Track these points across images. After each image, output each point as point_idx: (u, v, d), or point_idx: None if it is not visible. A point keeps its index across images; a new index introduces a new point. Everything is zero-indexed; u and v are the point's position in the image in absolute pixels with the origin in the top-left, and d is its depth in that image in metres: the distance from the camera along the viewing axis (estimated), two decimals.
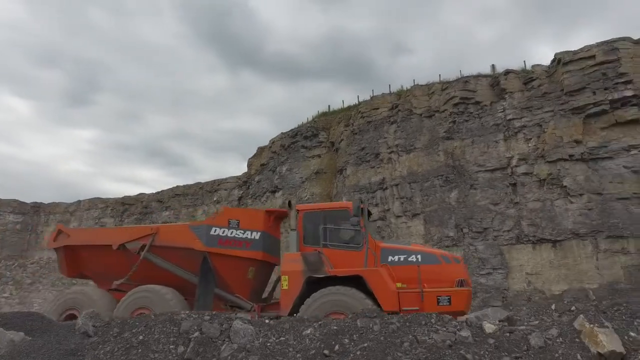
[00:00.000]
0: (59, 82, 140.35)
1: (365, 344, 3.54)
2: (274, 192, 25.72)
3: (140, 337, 3.83)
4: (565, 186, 15.83)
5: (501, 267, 16.43)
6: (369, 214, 8.56)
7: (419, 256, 7.38)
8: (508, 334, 3.60)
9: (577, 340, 3.61)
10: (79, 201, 34.12)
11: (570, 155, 15.95)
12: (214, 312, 5.23)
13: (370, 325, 3.80)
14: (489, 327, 3.67)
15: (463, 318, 3.96)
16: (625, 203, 14.89)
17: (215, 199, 30.91)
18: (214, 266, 7.69)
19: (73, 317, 7.49)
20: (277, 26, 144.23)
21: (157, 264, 8.00)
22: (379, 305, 6.51)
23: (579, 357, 3.38)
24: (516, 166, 16.85)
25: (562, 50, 17.48)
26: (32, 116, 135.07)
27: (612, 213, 14.95)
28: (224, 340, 3.80)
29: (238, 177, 31.04)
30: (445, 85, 19.58)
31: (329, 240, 7.62)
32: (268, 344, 3.72)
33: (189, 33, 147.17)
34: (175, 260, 8.03)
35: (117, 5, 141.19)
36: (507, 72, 18.55)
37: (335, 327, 3.85)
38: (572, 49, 17.21)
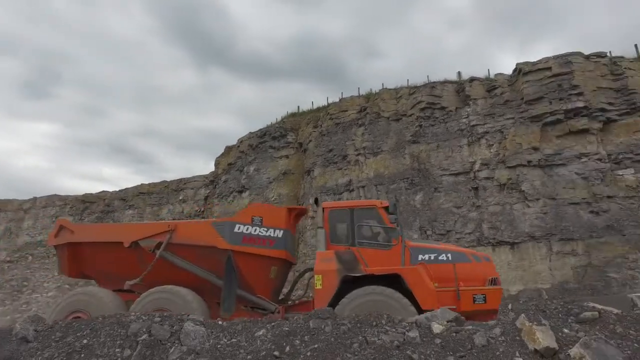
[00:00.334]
0: (16, 72, 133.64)
1: (316, 345, 3.57)
2: (241, 192, 25.48)
3: (85, 341, 3.67)
4: (524, 191, 16.51)
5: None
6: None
7: (449, 255, 7.32)
8: (454, 334, 3.73)
9: (517, 338, 3.78)
10: (35, 198, 32.54)
11: (529, 161, 16.66)
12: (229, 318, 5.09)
13: (322, 326, 3.84)
14: (437, 328, 3.79)
15: (413, 319, 4.07)
16: (575, 208, 15.69)
17: (181, 198, 30.28)
18: (237, 265, 7.34)
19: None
20: (249, 25, 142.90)
21: (174, 264, 7.51)
22: (416, 305, 6.46)
23: (517, 354, 3.55)
24: (478, 171, 17.43)
25: (523, 61, 18.26)
26: None
27: (564, 217, 15.71)
28: (174, 342, 3.73)
29: (205, 177, 30.55)
30: (412, 90, 20.01)
31: (360, 239, 7.41)
32: (219, 346, 3.68)
33: (158, 27, 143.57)
34: (194, 259, 7.56)
35: None
36: (472, 80, 19.19)
37: (287, 328, 3.86)
38: (532, 60, 18.01)
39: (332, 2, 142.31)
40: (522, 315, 3.94)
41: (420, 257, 7.20)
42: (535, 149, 16.75)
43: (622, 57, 17.34)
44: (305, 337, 3.71)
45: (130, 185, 32.52)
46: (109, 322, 3.98)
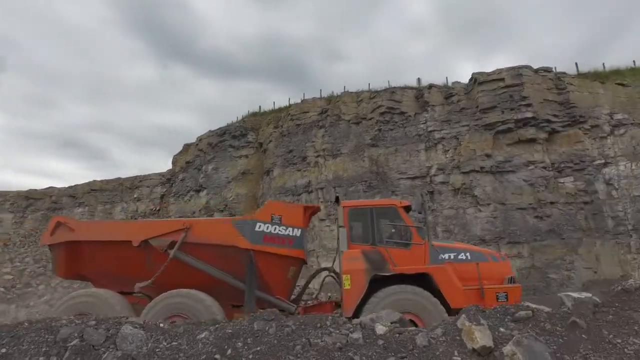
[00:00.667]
0: None
1: (259, 348, 3.52)
2: (198, 191, 24.92)
3: (3, 350, 3.38)
4: (476, 196, 17.17)
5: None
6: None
7: (468, 254, 7.35)
8: (397, 335, 3.80)
9: (457, 338, 3.91)
10: None
11: (481, 167, 17.35)
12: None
13: (267, 328, 3.79)
14: (380, 329, 3.84)
15: (357, 321, 4.12)
16: (522, 212, 16.52)
17: (135, 196, 29.19)
18: (257, 266, 7.05)
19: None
20: (212, 21, 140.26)
21: (189, 264, 7.10)
22: (444, 304, 6.46)
23: (456, 353, 3.66)
24: (434, 175, 17.96)
25: (479, 71, 19.03)
26: None
27: (512, 221, 16.49)
28: (109, 347, 3.54)
29: (162, 174, 29.63)
30: (373, 94, 20.34)
31: (382, 238, 7.30)
32: (157, 350, 3.54)
33: (117, 18, 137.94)
34: (210, 260, 7.17)
35: None
36: (431, 87, 19.76)
37: (230, 331, 3.77)
38: (487, 71, 18.80)
39: (297, 2, 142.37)
40: (463, 315, 4.08)
41: (440, 256, 7.22)
42: (488, 155, 17.48)
43: (565, 73, 18.48)
44: (249, 339, 3.64)
45: (81, 182, 30.97)
46: (36, 327, 3.71)
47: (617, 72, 19.21)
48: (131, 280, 7.16)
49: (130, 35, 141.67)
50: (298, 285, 9.02)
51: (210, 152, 25.55)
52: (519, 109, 17.46)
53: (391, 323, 4.02)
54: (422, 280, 6.81)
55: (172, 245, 7.10)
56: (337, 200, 8.05)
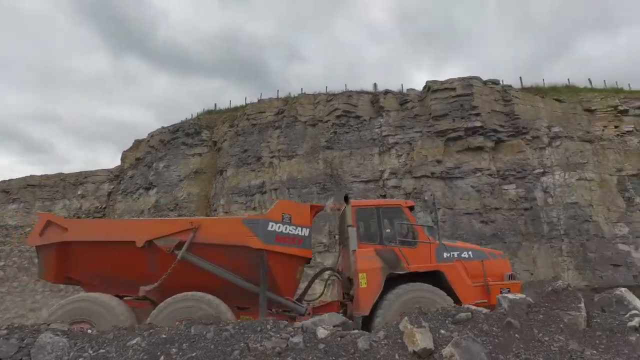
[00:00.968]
0: None
1: (194, 354, 3.35)
2: (148, 189, 23.92)
3: None
4: (426, 200, 17.66)
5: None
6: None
7: (470, 252, 7.54)
8: (339, 339, 3.77)
9: (399, 340, 3.94)
10: None
11: (432, 173, 17.92)
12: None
13: (204, 332, 3.63)
14: (322, 333, 3.80)
15: (299, 324, 4.05)
16: (469, 217, 17.23)
17: (80, 193, 27.54)
18: (269, 266, 6.81)
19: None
20: (171, 14, 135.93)
21: (197, 266, 6.74)
22: (457, 300, 6.54)
23: (397, 356, 3.69)
24: (387, 179, 18.31)
25: (432, 79, 19.67)
26: None
27: (459, 226, 17.14)
28: (22, 359, 3.22)
29: (110, 171, 28.17)
30: (330, 97, 20.47)
31: (389, 237, 7.44)
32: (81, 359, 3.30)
33: (67, 3, 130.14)
34: (218, 261, 6.85)
35: None
36: (386, 92, 20.18)
37: (165, 336, 3.57)
38: (440, 80, 19.48)
39: (258, 1, 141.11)
40: (405, 318, 4.13)
41: (445, 254, 7.39)
42: (439, 161, 18.09)
43: (510, 86, 19.57)
44: (184, 344, 3.47)
45: (17, 176, 28.79)
46: None
47: (554, 89, 20.65)
48: (130, 283, 6.81)
49: (81, 21, 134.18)
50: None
51: (162, 149, 24.65)
52: (468, 117, 18.22)
53: (334, 326, 3.99)
54: (432, 278, 7.01)
55: (179, 245, 6.79)
56: (346, 199, 8.02)
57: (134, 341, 3.50)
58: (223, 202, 20.42)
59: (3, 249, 21.72)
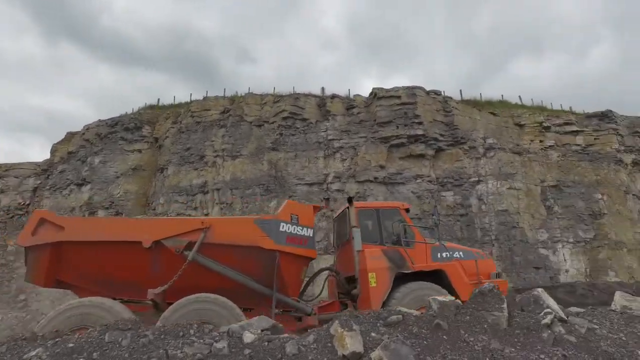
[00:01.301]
0: None
1: None
2: (80, 185, 22.32)
3: None
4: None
5: (308, 275, 17.62)
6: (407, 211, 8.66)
7: (461, 253, 7.92)
8: (267, 343, 3.66)
9: (329, 344, 3.89)
10: None
11: (375, 178, 18.30)
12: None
13: (120, 339, 3.36)
14: (248, 337, 3.65)
15: (225, 328, 3.88)
16: None
17: None
18: (280, 267, 6.71)
19: None
20: (115, 2, 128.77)
21: (208, 268, 6.50)
22: (456, 298, 6.46)
23: None
24: (331, 183, 18.44)
25: (378, 86, 20.15)
26: None
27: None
28: None
29: (37, 164, 25.94)
30: (277, 98, 20.31)
31: (389, 238, 7.70)
32: None
33: None
34: (228, 261, 6.65)
35: None
36: (334, 97, 20.37)
37: (72, 345, 3.25)
38: (386, 87, 20.00)
39: None
40: (336, 321, 4.09)
41: (439, 254, 7.75)
42: (382, 167, 18.52)
43: (451, 98, 20.53)
44: (94, 354, 3.17)
45: None
46: None
47: (490, 103, 22.00)
48: (130, 286, 6.50)
49: (14, 3, 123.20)
50: None
51: (99, 143, 23.14)
52: (411, 125, 18.85)
53: (262, 330, 3.86)
54: (432, 276, 7.37)
55: (188, 246, 6.50)
56: (350, 201, 8.12)
57: (34, 352, 3.13)
58: (162, 201, 19.54)
59: None
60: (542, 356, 4.46)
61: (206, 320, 5.60)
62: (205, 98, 22.09)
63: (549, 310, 5.27)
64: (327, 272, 8.97)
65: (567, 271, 18.44)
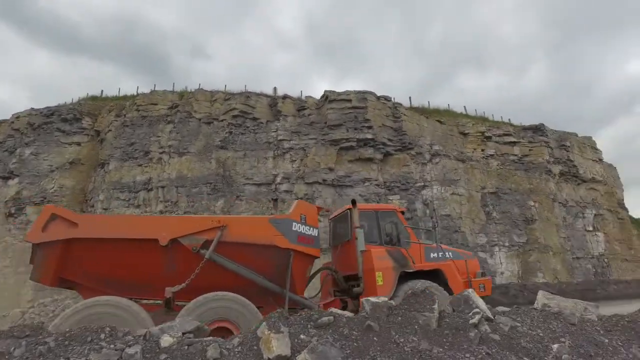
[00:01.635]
0: None
1: None
2: (7, 178, 20.57)
3: None
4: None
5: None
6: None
7: (450, 253, 8.48)
8: (186, 347, 3.48)
9: (255, 347, 3.78)
10: None
11: (324, 180, 18.35)
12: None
13: (12, 349, 3.04)
14: (166, 341, 3.46)
15: (143, 331, 3.65)
16: None
17: None
18: (292, 266, 6.94)
19: None
20: None
21: (224, 266, 6.58)
22: (452, 294, 7.20)
23: None
24: (280, 183, 18.28)
25: (332, 89, 20.26)
26: None
27: None
28: None
29: None
30: (228, 95, 19.87)
31: (387, 238, 8.12)
32: None
33: None
34: (242, 260, 6.76)
35: None
36: (285, 97, 20.23)
37: None
38: (338, 91, 20.16)
39: None
40: (264, 323, 3.98)
41: (432, 254, 8.25)
42: (331, 169, 18.62)
43: (400, 104, 21.08)
44: None
45: None
46: None
47: (437, 111, 22.88)
48: (140, 285, 6.47)
49: None
50: None
51: (31, 133, 21.45)
52: (361, 129, 19.11)
53: (183, 333, 3.67)
54: (429, 275, 7.84)
55: (205, 244, 6.56)
56: (353, 203, 8.31)
57: None
58: (102, 198, 18.46)
59: None
60: (467, 355, 4.58)
61: (225, 318, 6.01)
62: (152, 92, 21.18)
63: (477, 310, 5.46)
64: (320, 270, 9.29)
65: (502, 273, 19.47)
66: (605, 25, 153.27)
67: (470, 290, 5.97)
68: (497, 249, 19.82)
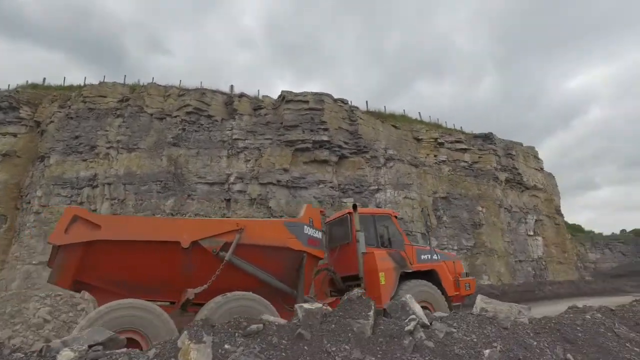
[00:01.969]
0: None
1: None
2: None
3: None
4: (270, 207, 17.83)
5: None
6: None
7: (438, 255, 8.99)
8: None
9: (173, 359, 3.60)
10: None
11: (278, 181, 18.17)
12: None
13: None
14: (64, 356, 3.21)
15: (38, 346, 3.37)
16: None
17: None
18: (304, 267, 7.27)
19: (130, 342, 5.29)
20: None
21: (242, 268, 6.78)
22: (443, 293, 8.22)
23: None
24: (233, 183, 17.91)
25: (288, 90, 20.10)
26: None
27: None
28: None
29: None
30: (183, 91, 19.26)
31: (383, 241, 8.61)
32: None
33: None
34: (258, 262, 6.97)
35: None
36: (242, 95, 19.87)
37: None
38: (296, 91, 20.04)
39: None
40: (185, 332, 3.79)
41: (422, 256, 8.72)
42: (286, 170, 18.47)
43: (357, 108, 21.27)
44: None
45: None
46: None
47: (393, 116, 23.29)
48: (156, 287, 6.50)
49: None
50: None
51: None
52: (317, 131, 19.10)
53: (90, 346, 3.41)
54: (424, 275, 8.43)
55: (224, 247, 6.72)
56: (354, 207, 8.55)
57: None
58: (40, 194, 17.32)
59: None
60: None
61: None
62: (101, 83, 20.14)
63: (414, 316, 5.47)
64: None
65: None
66: (549, 44, 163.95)
67: (408, 295, 6.02)
68: (446, 252, 20.41)
